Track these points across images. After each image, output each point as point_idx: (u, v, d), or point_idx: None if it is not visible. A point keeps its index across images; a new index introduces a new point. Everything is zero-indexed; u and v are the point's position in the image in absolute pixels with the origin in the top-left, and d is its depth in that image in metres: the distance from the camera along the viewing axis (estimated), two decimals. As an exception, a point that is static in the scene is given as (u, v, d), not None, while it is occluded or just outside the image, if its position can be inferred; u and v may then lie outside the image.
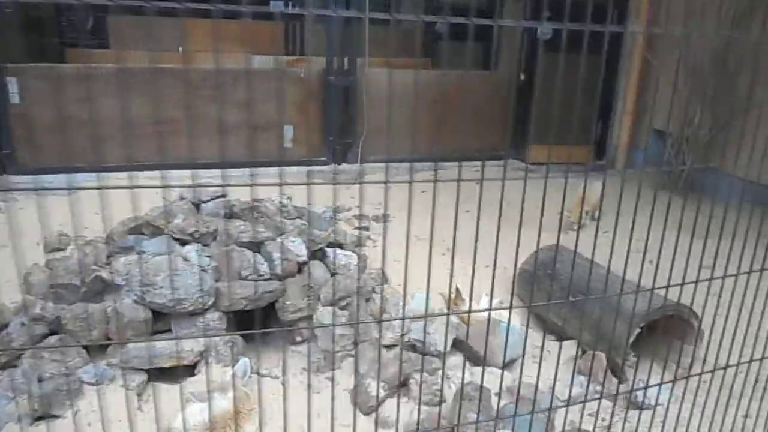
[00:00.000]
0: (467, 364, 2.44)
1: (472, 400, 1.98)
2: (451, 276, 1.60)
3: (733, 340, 2.18)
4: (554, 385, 1.77)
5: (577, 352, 2.53)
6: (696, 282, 1.94)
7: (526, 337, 1.82)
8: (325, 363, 2.44)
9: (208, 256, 2.52)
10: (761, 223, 2.02)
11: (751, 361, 1.98)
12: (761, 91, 4.57)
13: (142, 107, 4.70)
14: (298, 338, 2.54)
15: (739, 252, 1.77)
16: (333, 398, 1.40)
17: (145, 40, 5.38)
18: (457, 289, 2.95)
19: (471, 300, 2.04)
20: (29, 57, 4.74)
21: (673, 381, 2.44)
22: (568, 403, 1.70)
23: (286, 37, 6.79)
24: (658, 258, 1.70)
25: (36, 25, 5.88)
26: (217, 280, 2.41)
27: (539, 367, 1.77)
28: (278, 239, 2.76)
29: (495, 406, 2.02)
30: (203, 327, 2.31)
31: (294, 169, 4.97)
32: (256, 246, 2.63)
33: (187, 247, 2.49)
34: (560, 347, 2.70)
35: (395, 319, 2.44)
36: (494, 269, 1.51)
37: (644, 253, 1.69)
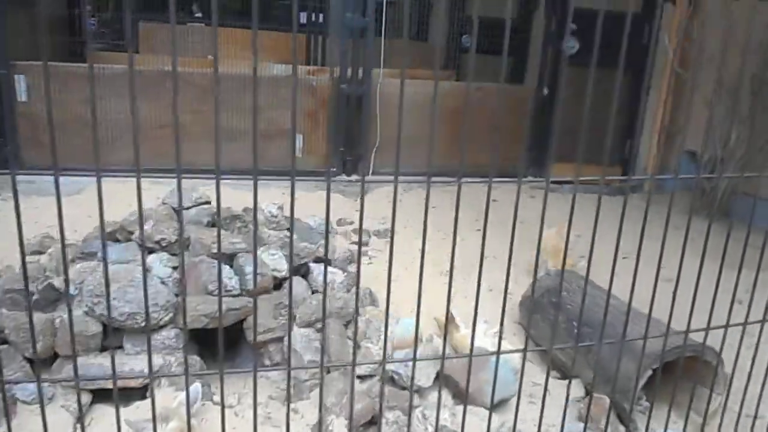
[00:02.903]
0: (452, 402, 2.17)
1: (444, 448, 1.71)
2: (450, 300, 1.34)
3: (762, 387, 1.87)
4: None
5: (566, 393, 2.23)
6: (726, 326, 1.65)
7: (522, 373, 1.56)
8: (294, 392, 2.20)
9: (174, 267, 2.31)
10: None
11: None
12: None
13: (149, 111, 4.58)
14: (267, 362, 2.31)
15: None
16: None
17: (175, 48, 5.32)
18: (451, 315, 2.69)
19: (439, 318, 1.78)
20: (53, 57, 4.70)
21: None
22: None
23: (307, 48, 6.69)
24: (676, 288, 1.42)
25: (62, 26, 5.89)
26: (177, 294, 2.20)
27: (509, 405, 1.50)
28: (259, 252, 2.54)
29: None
30: (158, 345, 2.10)
31: (303, 179, 4.79)
32: (229, 258, 2.41)
33: (151, 257, 2.29)
34: (567, 387, 2.41)
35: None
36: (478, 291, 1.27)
37: (674, 289, 1.42)
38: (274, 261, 2.47)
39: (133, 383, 2.00)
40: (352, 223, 4.07)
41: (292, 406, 2.14)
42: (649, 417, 2.21)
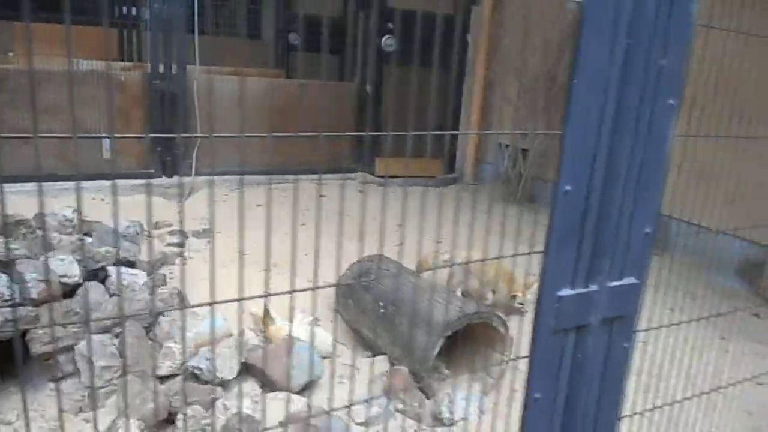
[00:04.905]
0: (259, 390, 2.18)
1: (237, 435, 1.71)
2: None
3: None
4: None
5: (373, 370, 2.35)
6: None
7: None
8: (88, 401, 2.06)
9: (-63, 280, 2.05)
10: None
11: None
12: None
13: None
14: (59, 373, 2.14)
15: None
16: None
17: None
18: (266, 308, 2.70)
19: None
20: None
21: (484, 391, 2.33)
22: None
23: (120, 43, 6.27)
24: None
25: None
26: (-61, 309, 1.96)
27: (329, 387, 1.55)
28: (42, 258, 2.34)
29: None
30: None
31: (116, 182, 4.49)
32: (6, 266, 2.19)
33: None
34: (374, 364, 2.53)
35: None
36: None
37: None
38: (63, 266, 2.30)
39: None
40: (170, 225, 3.90)
41: (85, 415, 2.01)
42: (455, 385, 2.42)
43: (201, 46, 5.17)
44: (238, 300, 1.26)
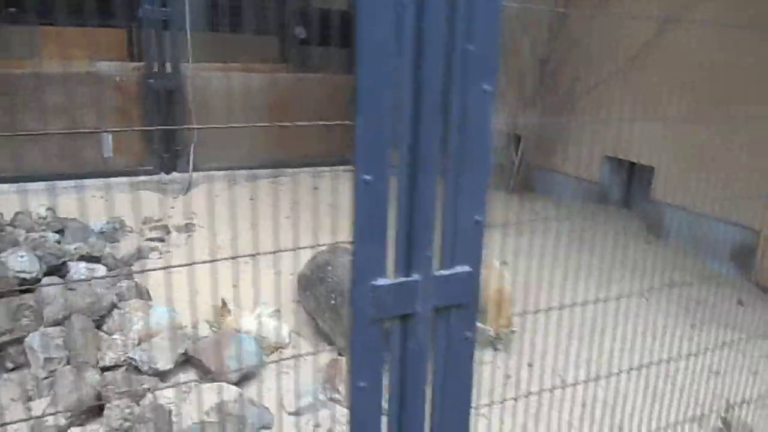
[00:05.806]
0: (200, 380, 2.23)
1: (147, 422, 1.76)
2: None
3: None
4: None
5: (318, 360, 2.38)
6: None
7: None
8: (36, 391, 2.16)
9: None
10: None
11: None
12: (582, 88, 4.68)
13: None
14: (10, 364, 2.25)
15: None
16: None
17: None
18: (223, 300, 2.75)
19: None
20: None
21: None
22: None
23: (129, 43, 6.45)
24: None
25: None
26: None
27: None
28: (3, 254, 2.46)
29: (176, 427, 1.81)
30: None
31: (117, 180, 4.65)
32: (-36, 263, 2.32)
33: None
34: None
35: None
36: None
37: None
38: (21, 262, 2.40)
39: None
40: (159, 220, 4.01)
41: (30, 404, 2.11)
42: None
43: (203, 42, 5.29)
44: (187, 265, 1.30)
